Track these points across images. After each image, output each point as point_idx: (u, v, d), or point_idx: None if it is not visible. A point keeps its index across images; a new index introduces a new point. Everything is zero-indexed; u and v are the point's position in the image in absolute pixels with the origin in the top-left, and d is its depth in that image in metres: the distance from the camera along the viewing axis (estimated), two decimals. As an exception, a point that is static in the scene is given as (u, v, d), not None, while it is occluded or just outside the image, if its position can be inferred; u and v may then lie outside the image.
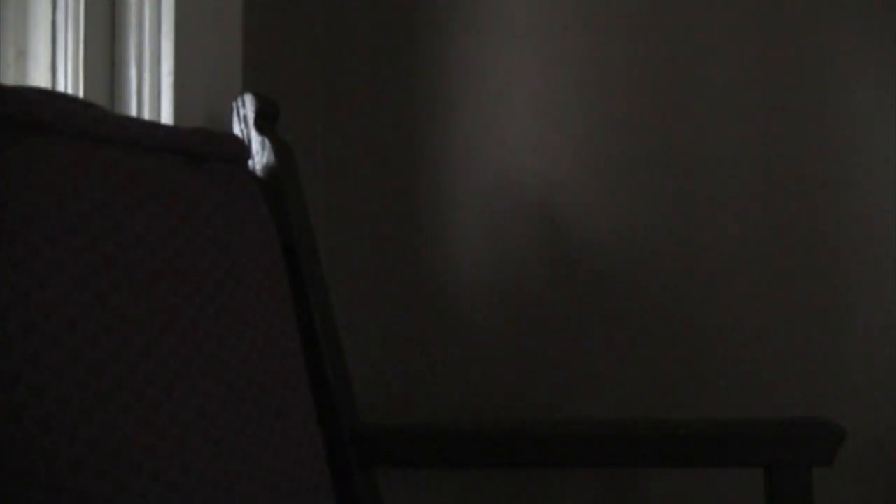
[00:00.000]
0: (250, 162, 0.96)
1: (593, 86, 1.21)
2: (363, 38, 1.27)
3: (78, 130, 0.68)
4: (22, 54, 0.98)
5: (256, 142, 0.97)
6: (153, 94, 1.02)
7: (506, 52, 1.23)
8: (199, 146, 0.82)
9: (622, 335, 1.19)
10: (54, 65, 0.98)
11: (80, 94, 0.98)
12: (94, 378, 0.60)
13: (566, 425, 0.99)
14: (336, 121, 1.27)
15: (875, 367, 1.14)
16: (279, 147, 0.97)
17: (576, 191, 1.21)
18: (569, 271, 1.21)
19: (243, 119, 0.98)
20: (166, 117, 1.01)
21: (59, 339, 0.59)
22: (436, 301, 1.24)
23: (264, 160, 0.96)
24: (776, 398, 1.16)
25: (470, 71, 1.24)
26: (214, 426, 0.71)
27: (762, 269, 1.17)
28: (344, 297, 1.24)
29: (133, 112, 1.02)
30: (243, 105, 0.98)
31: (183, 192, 0.77)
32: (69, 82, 0.98)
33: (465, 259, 1.23)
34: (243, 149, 0.90)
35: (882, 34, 1.15)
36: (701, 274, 1.18)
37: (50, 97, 0.70)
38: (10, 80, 0.96)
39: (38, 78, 0.98)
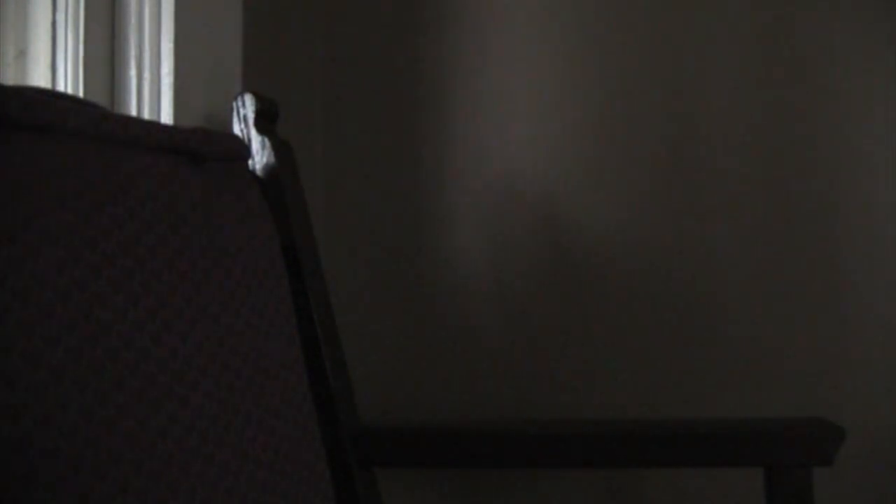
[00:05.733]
0: (250, 162, 0.96)
1: (594, 85, 1.21)
2: (363, 38, 1.27)
3: (78, 130, 0.68)
4: (22, 54, 0.98)
5: (256, 141, 0.97)
6: (153, 94, 1.02)
7: (506, 52, 1.23)
8: (199, 146, 0.82)
9: (622, 335, 1.19)
10: (54, 65, 0.98)
11: (80, 94, 0.98)
12: (94, 378, 0.60)
13: (566, 425, 0.99)
14: (336, 121, 1.27)
15: (875, 367, 1.15)
16: (279, 147, 0.97)
17: (576, 191, 1.21)
18: (568, 270, 1.21)
19: (243, 119, 0.98)
20: (166, 117, 1.01)
21: (59, 339, 0.59)
22: (436, 301, 1.24)
23: (264, 160, 0.96)
24: (776, 398, 1.16)
25: (470, 70, 1.24)
26: (214, 426, 0.71)
27: (762, 268, 1.17)
28: (344, 297, 1.24)
29: (133, 112, 1.02)
30: (243, 105, 0.98)
31: (183, 192, 0.77)
32: (69, 82, 0.98)
33: (466, 259, 1.23)
34: (243, 148, 0.90)
35: (882, 34, 1.15)
36: (701, 274, 1.18)
37: (50, 97, 0.70)
38: (10, 80, 0.96)
39: (38, 78, 0.98)
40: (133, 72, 1.02)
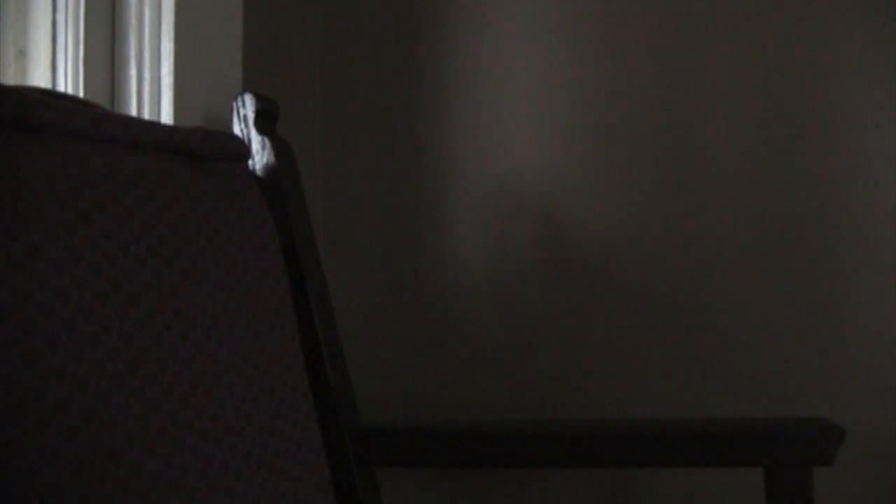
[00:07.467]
0: (250, 162, 0.96)
1: (594, 85, 1.21)
2: (363, 37, 1.27)
3: (78, 130, 0.68)
4: (22, 54, 0.98)
5: (256, 142, 0.97)
6: (153, 94, 1.02)
7: (506, 52, 1.23)
8: (199, 146, 0.82)
9: (622, 335, 1.19)
10: (54, 65, 0.98)
11: (80, 94, 0.98)
12: (94, 378, 0.60)
13: (565, 425, 0.99)
14: (336, 121, 1.27)
15: (875, 367, 1.14)
16: (279, 147, 0.97)
17: (576, 191, 1.21)
18: (568, 270, 1.21)
19: (243, 119, 0.98)
20: (166, 117, 1.01)
21: (59, 339, 0.59)
22: (436, 301, 1.24)
23: (264, 160, 0.96)
24: (776, 398, 1.16)
25: (470, 70, 1.24)
26: (214, 426, 0.71)
27: (762, 269, 1.17)
28: (344, 296, 1.24)
29: (133, 112, 1.02)
30: (243, 105, 0.98)
31: (183, 192, 0.77)
32: (69, 82, 0.98)
33: (466, 259, 1.23)
34: (243, 148, 0.90)
35: (882, 34, 1.15)
36: (700, 274, 1.18)
37: (50, 97, 0.70)
38: (10, 80, 0.96)
39: (38, 78, 0.98)
40: (133, 72, 1.02)
